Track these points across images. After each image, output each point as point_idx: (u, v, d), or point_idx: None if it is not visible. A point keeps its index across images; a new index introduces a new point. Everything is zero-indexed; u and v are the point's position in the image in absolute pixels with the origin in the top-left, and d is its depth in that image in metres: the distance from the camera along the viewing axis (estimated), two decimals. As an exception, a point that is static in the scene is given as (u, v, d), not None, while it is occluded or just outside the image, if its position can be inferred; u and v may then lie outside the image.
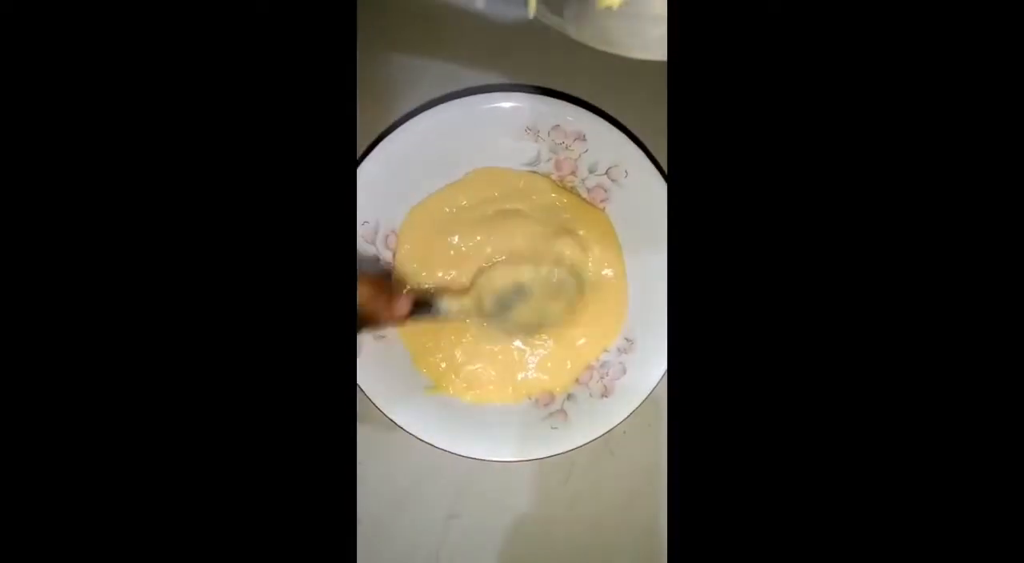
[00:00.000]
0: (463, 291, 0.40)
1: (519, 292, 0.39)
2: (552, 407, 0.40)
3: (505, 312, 0.39)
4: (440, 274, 0.40)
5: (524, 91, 0.39)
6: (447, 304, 0.38)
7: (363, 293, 0.33)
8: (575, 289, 0.40)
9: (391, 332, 0.40)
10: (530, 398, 0.41)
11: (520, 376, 0.41)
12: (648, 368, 0.39)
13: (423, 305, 0.38)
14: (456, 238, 0.40)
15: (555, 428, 0.40)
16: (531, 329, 0.40)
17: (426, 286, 0.40)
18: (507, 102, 0.38)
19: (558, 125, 0.39)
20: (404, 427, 0.38)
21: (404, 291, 0.39)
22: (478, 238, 0.40)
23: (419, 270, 0.40)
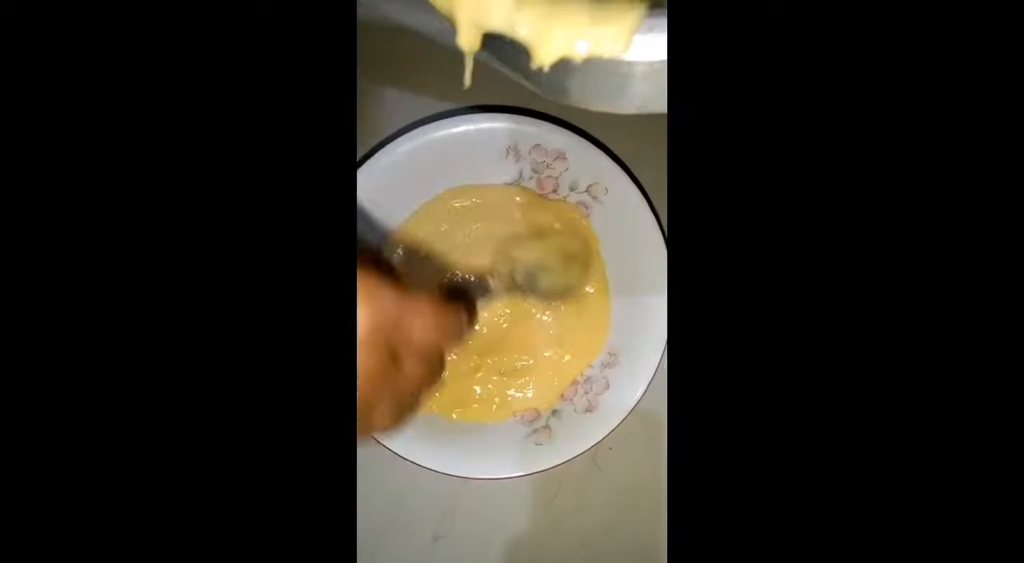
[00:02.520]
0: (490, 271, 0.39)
1: (539, 265, 0.39)
2: (537, 424, 0.40)
3: (533, 282, 0.38)
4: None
5: (504, 112, 0.39)
6: (494, 282, 0.36)
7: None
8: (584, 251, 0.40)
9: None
10: (515, 415, 0.40)
11: (506, 394, 0.40)
12: (632, 381, 0.39)
13: (459, 296, 0.30)
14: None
15: (540, 444, 0.39)
16: (560, 295, 0.40)
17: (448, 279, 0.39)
18: (487, 123, 0.39)
19: (539, 144, 0.39)
20: (387, 446, 0.38)
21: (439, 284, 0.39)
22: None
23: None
